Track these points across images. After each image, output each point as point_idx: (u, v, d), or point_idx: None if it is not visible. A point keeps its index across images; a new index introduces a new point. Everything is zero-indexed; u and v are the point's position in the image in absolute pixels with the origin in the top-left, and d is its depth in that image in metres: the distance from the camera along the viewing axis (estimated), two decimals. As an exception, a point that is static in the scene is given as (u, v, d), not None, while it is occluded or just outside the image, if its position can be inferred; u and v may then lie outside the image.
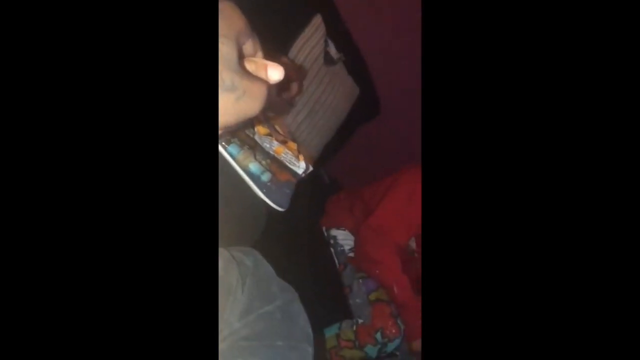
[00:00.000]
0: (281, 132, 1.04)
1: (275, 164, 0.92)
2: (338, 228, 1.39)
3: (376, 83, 1.55)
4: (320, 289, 1.33)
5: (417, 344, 1.21)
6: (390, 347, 1.16)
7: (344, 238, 1.38)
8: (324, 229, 1.40)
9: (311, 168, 1.07)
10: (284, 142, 0.97)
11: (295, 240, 1.28)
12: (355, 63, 1.46)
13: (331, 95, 1.36)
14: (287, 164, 0.94)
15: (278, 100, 0.94)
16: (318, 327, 1.24)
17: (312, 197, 1.51)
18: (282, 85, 1.00)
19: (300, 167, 0.95)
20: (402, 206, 1.31)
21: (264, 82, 0.46)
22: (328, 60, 1.34)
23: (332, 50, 1.37)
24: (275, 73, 0.48)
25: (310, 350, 0.68)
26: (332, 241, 1.37)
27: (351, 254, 1.34)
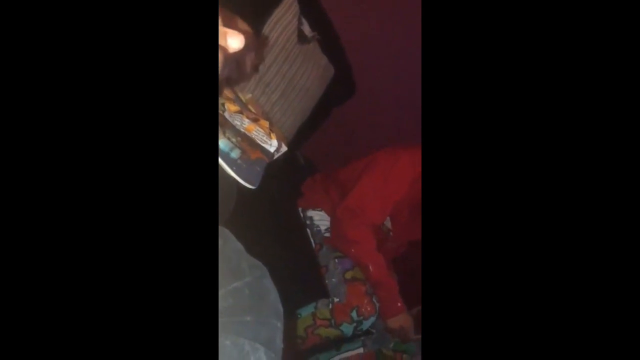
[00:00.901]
0: (254, 110, 1.02)
1: (246, 141, 0.91)
2: (314, 209, 1.39)
3: (352, 63, 1.53)
4: (297, 269, 1.34)
5: (392, 322, 1.23)
6: (366, 324, 1.18)
7: (320, 219, 1.38)
8: (300, 210, 1.40)
9: (285, 147, 1.06)
10: (255, 120, 0.96)
11: (271, 221, 1.28)
12: (330, 42, 1.44)
13: (305, 74, 1.34)
14: (259, 141, 0.93)
15: (239, 69, 0.92)
16: (294, 307, 1.25)
17: (288, 178, 1.50)
18: (242, 53, 0.98)
19: (272, 145, 0.94)
20: (377, 187, 1.31)
21: (222, 49, 0.45)
22: (302, 38, 1.32)
23: (306, 28, 1.35)
24: (234, 41, 0.47)
25: (279, 325, 0.68)
26: (308, 222, 1.37)
27: (327, 235, 1.34)
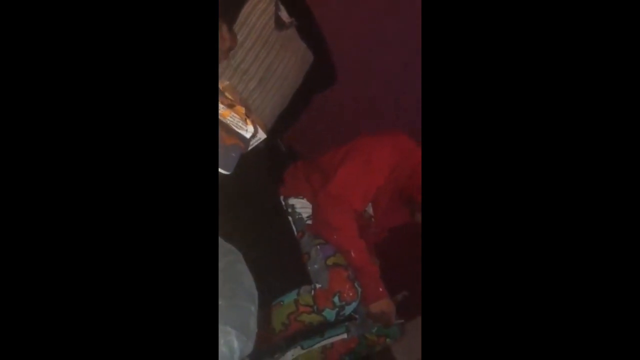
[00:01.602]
0: (230, 97, 1.01)
1: (221, 127, 0.90)
2: (296, 197, 1.39)
3: (331, 49, 1.52)
4: (279, 257, 1.33)
5: (373, 307, 1.24)
6: (348, 309, 1.18)
7: (302, 206, 1.37)
8: (281, 198, 1.39)
9: (263, 133, 1.06)
10: (230, 106, 0.95)
11: (252, 210, 1.27)
12: (308, 28, 1.43)
13: (283, 61, 1.33)
14: (234, 127, 0.92)
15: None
16: (277, 295, 1.24)
17: (270, 166, 1.50)
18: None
19: (249, 131, 0.94)
20: (359, 173, 1.31)
21: None
22: (279, 24, 1.31)
23: (284, 14, 1.34)
24: None
25: (253, 309, 0.68)
26: (289, 210, 1.37)
27: (309, 222, 1.34)
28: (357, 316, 1.35)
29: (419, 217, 1.36)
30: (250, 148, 1.14)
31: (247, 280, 0.71)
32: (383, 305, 1.24)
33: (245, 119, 0.93)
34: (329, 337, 1.35)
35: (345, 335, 1.35)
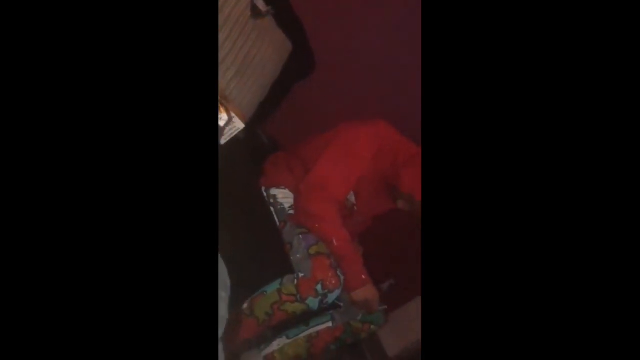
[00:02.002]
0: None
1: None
2: (277, 187, 1.38)
3: (310, 38, 1.51)
4: (261, 247, 1.33)
5: (356, 294, 1.24)
6: (331, 297, 1.18)
7: (283, 197, 1.37)
8: (263, 188, 1.39)
9: (240, 123, 1.05)
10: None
11: (234, 201, 1.26)
12: (286, 17, 1.41)
13: (261, 51, 1.32)
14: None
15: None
16: (260, 285, 1.24)
17: (250, 157, 1.49)
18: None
19: (222, 119, 0.93)
20: (340, 161, 1.31)
21: None
22: (256, 13, 1.29)
23: (260, 3, 1.32)
24: None
25: (224, 295, 0.68)
26: (271, 200, 1.36)
27: (291, 212, 1.34)
28: (341, 304, 1.35)
29: (402, 204, 1.36)
30: (228, 138, 1.13)
31: (220, 267, 0.71)
32: (366, 292, 1.24)
33: (219, 107, 0.92)
34: (314, 326, 1.36)
35: (330, 324, 1.35)
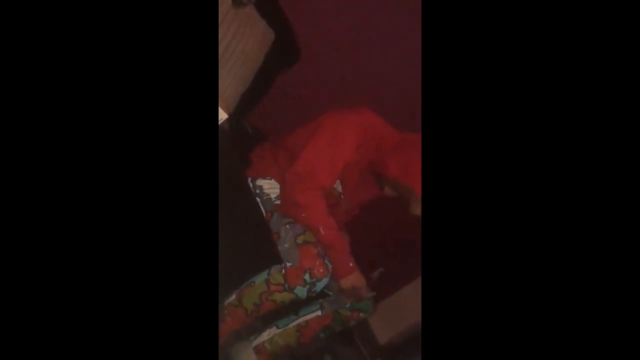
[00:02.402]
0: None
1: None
2: (264, 178, 1.38)
3: (293, 27, 1.50)
4: (248, 238, 1.33)
5: (344, 282, 1.24)
6: (319, 286, 1.18)
7: (270, 187, 1.36)
8: (249, 179, 1.38)
9: (223, 113, 1.04)
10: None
11: (220, 193, 1.26)
12: (268, 5, 1.40)
13: (242, 40, 1.30)
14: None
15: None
16: (247, 276, 1.24)
17: (236, 148, 1.48)
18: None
19: (203, 109, 0.92)
20: (324, 150, 1.31)
21: None
22: (236, 2, 1.28)
23: (241, -9, 1.31)
24: None
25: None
26: (257, 191, 1.36)
27: (277, 202, 1.33)
28: (330, 293, 1.36)
29: (388, 190, 1.37)
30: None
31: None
32: (353, 279, 1.24)
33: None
34: (304, 315, 1.36)
35: (319, 312, 1.36)
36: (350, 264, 1.25)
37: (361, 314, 1.36)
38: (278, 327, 1.36)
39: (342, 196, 1.41)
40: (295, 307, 1.35)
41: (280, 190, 1.33)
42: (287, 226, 1.25)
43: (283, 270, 1.19)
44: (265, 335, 1.35)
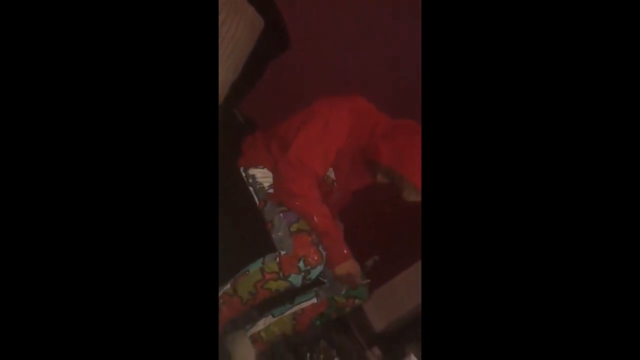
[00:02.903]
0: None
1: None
2: (256, 167, 1.37)
3: (283, 13, 1.48)
4: (242, 227, 1.32)
5: (339, 269, 1.24)
6: (314, 273, 1.18)
7: (262, 176, 1.36)
8: (241, 169, 1.37)
9: (213, 102, 1.02)
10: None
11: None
12: (256, -8, 1.38)
13: (231, 28, 1.29)
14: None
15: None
16: (242, 265, 1.24)
17: (227, 138, 1.47)
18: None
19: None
20: (317, 137, 1.30)
21: None
22: (224, -11, 1.26)
23: (228, -22, 1.29)
24: None
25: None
26: (250, 180, 1.35)
27: (271, 191, 1.33)
28: (325, 280, 1.36)
29: (381, 177, 1.36)
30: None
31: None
32: (348, 266, 1.24)
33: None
34: (299, 303, 1.36)
35: (314, 300, 1.36)
36: (345, 251, 1.25)
37: (356, 301, 1.36)
38: (274, 316, 1.36)
39: (335, 184, 1.41)
40: (290, 295, 1.35)
41: (273, 178, 1.32)
42: (281, 214, 1.25)
43: (277, 259, 1.19)
44: (261, 324, 1.36)
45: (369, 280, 1.31)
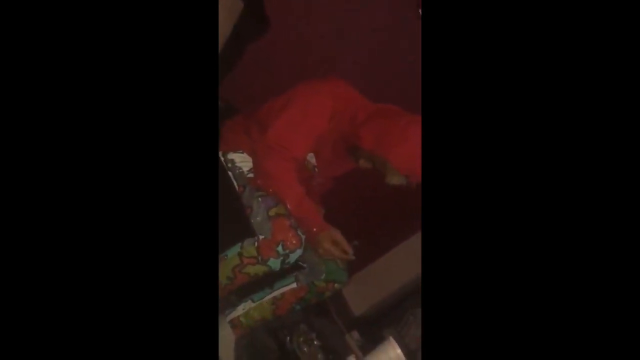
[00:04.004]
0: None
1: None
2: (235, 151, 1.35)
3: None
4: (220, 212, 1.31)
5: (323, 236, 1.23)
6: (293, 257, 1.18)
7: (241, 160, 1.34)
8: (220, 153, 1.35)
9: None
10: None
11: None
12: (234, -27, 1.35)
13: (210, 8, 1.26)
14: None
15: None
16: (220, 250, 1.23)
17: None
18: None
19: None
20: (297, 120, 1.29)
21: None
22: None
23: (206, -43, 1.25)
24: None
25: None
26: (229, 165, 1.33)
27: (250, 175, 1.32)
28: (304, 265, 1.36)
29: (363, 162, 1.36)
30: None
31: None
32: (331, 234, 1.23)
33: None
34: (279, 288, 1.36)
35: (294, 285, 1.36)
36: (323, 223, 1.25)
37: (336, 285, 1.37)
38: (253, 301, 1.36)
39: (316, 169, 1.40)
40: (270, 280, 1.35)
41: (253, 162, 1.31)
42: (260, 199, 1.24)
43: (256, 243, 1.18)
44: (241, 309, 1.35)
45: (356, 243, 1.29)
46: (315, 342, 1.32)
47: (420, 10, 1.60)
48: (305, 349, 1.28)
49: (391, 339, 1.30)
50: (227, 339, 1.32)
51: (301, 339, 1.30)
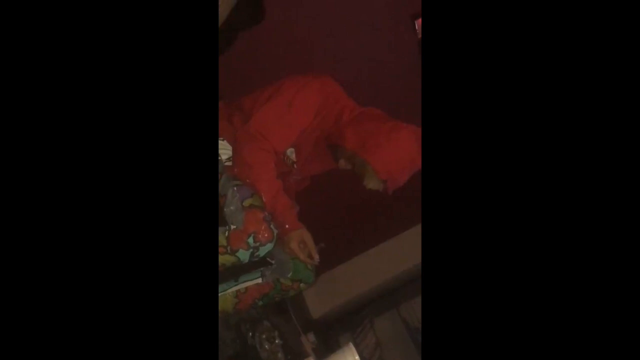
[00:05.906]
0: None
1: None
2: (215, 138, 1.32)
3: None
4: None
5: (294, 234, 1.22)
6: (263, 250, 1.16)
7: (221, 147, 1.31)
8: (199, 138, 1.32)
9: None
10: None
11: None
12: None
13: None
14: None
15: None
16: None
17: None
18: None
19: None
20: (281, 113, 1.27)
21: None
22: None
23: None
24: None
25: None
26: (207, 150, 1.30)
27: (228, 163, 1.29)
28: (272, 261, 1.34)
29: (343, 163, 1.35)
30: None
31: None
32: (301, 234, 1.23)
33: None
34: (244, 282, 1.34)
35: (260, 280, 1.34)
36: (297, 221, 1.24)
37: (302, 285, 1.35)
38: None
39: (295, 165, 1.39)
40: (235, 272, 1.32)
41: (232, 150, 1.29)
42: (235, 188, 1.21)
43: (227, 233, 1.15)
44: (202, 300, 1.32)
45: (323, 245, 1.29)
46: (277, 341, 1.30)
47: (415, 22, 1.62)
48: (266, 346, 1.26)
49: (350, 345, 1.30)
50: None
51: (264, 335, 1.28)
